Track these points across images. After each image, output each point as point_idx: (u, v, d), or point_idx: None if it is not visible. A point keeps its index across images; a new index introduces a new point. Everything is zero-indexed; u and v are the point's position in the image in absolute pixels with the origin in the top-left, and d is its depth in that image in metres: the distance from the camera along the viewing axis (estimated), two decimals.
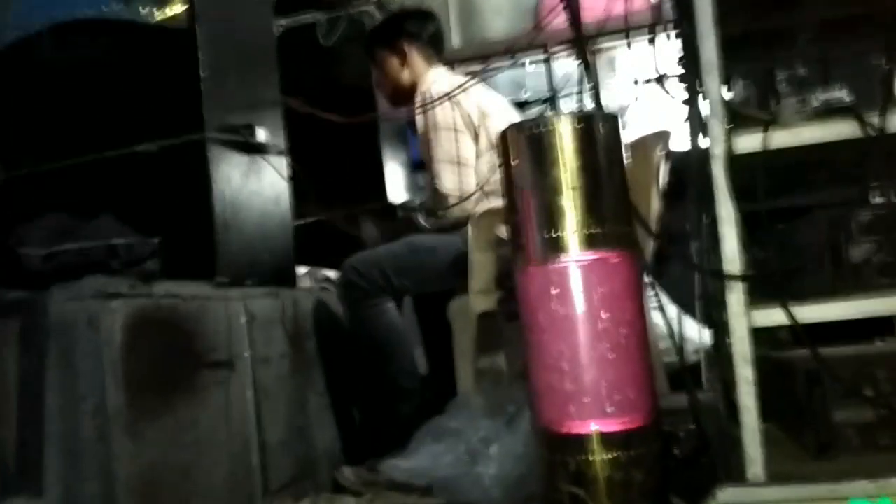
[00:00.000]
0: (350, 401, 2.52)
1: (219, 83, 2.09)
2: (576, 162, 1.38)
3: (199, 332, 1.93)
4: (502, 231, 2.35)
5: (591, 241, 1.36)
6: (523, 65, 3.69)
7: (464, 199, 2.35)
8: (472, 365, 2.35)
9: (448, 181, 2.39)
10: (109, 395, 1.62)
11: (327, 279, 2.69)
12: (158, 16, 1.96)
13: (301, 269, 2.57)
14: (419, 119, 2.46)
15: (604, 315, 1.36)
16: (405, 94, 2.61)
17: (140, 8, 1.95)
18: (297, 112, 2.58)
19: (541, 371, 1.40)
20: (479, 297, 2.32)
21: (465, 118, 2.42)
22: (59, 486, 1.56)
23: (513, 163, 1.44)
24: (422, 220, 2.53)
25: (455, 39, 3.98)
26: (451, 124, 2.41)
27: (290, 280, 2.40)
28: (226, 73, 2.15)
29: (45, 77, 2.09)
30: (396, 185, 3.41)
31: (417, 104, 2.46)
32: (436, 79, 2.55)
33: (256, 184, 2.26)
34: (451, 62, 3.77)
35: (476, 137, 2.43)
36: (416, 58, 2.60)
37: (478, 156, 2.43)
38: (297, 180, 2.45)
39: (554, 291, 1.38)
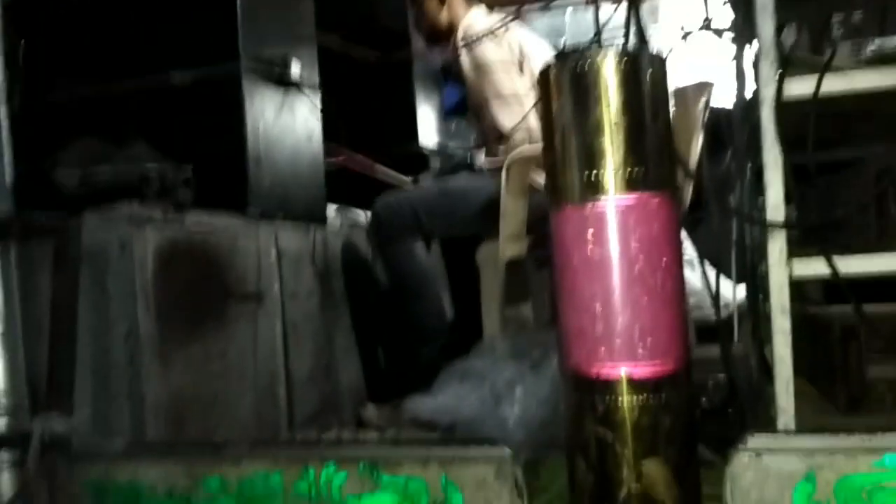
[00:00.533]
0: (376, 340, 2.53)
1: (254, 14, 2.07)
2: (619, 100, 1.33)
3: (230, 264, 1.95)
4: (535, 178, 2.33)
5: (630, 183, 1.32)
6: (562, 11, 3.60)
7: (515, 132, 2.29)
8: (499, 310, 2.34)
9: (507, 119, 2.34)
10: (140, 320, 1.64)
11: (357, 219, 2.67)
12: None
13: (331, 208, 2.55)
14: (465, 60, 2.39)
15: (640, 258, 1.32)
16: (443, 35, 2.55)
17: None
18: (331, 49, 2.54)
19: (572, 313, 1.38)
20: (508, 244, 2.30)
21: (511, 53, 2.38)
22: (89, 407, 1.59)
23: (553, 99, 1.39)
24: (479, 162, 2.46)
25: None
26: (499, 58, 2.36)
27: (320, 217, 2.40)
28: (261, 4, 2.12)
29: (81, 2, 2.07)
30: (428, 130, 3.36)
31: (460, 44, 2.41)
32: (475, 20, 2.49)
33: (289, 119, 2.24)
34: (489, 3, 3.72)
35: (519, 74, 2.37)
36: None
37: (523, 95, 2.36)
38: (329, 119, 2.42)
39: (590, 232, 1.34)
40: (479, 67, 2.36)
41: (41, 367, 1.50)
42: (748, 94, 1.66)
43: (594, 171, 1.34)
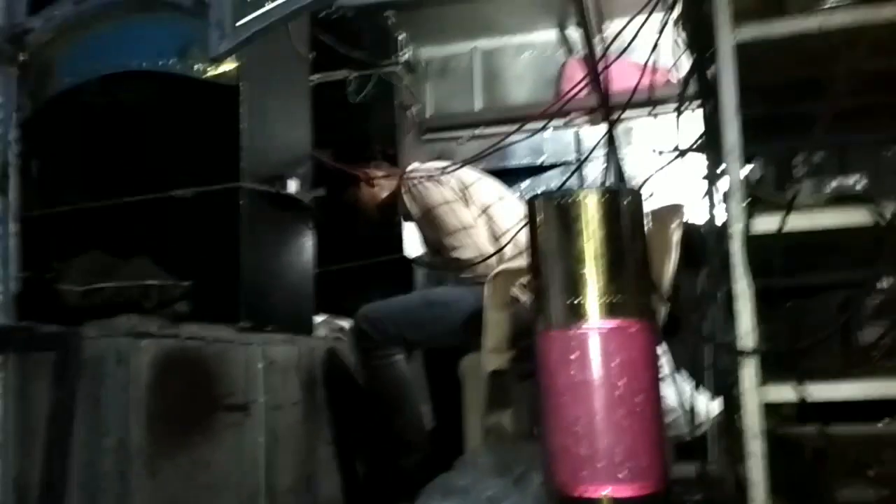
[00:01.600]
0: (356, 451, 2.53)
1: (256, 135, 2.18)
2: (600, 233, 1.43)
3: (220, 375, 1.99)
4: (517, 290, 2.41)
5: (611, 310, 1.41)
6: (543, 130, 3.79)
7: (486, 258, 2.40)
8: (481, 422, 2.36)
9: (463, 252, 2.46)
10: (132, 432, 1.66)
11: (342, 328, 2.72)
12: (210, 72, 2.06)
13: (318, 318, 2.61)
14: (412, 207, 2.55)
15: (620, 382, 1.40)
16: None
17: (194, 64, 2.05)
18: (323, 164, 2.66)
19: (556, 433, 1.44)
20: (491, 356, 2.34)
21: (453, 190, 2.53)
22: None
23: (539, 230, 1.49)
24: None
25: (478, 103, 4.08)
26: (443, 199, 2.52)
27: (307, 328, 2.45)
28: (263, 127, 2.24)
29: (92, 121, 2.19)
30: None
31: (404, 193, 2.57)
32: (412, 168, 2.66)
33: (283, 233, 2.33)
34: (476, 124, 3.92)
35: (466, 205, 2.52)
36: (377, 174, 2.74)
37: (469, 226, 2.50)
38: (321, 230, 2.51)
39: (573, 356, 1.42)
40: (426, 212, 2.52)
41: (34, 477, 1.51)
42: (718, 222, 1.78)
43: (577, 299, 1.43)
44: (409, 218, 2.67)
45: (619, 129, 3.96)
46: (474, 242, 2.45)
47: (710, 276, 1.72)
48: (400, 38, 3.53)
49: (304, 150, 2.51)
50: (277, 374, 2.22)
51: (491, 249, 2.45)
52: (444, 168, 2.57)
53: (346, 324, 2.70)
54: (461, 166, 2.59)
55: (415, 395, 2.43)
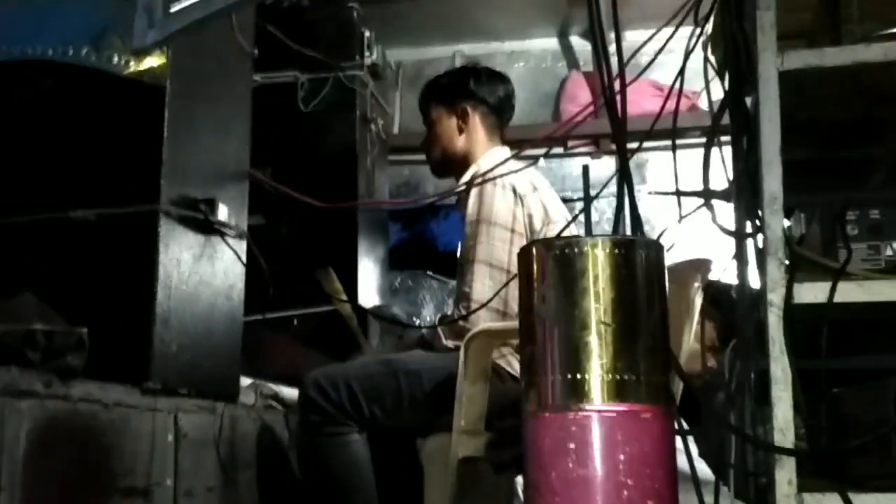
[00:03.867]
0: None
1: (182, 147, 2.18)
2: (611, 293, 1.44)
3: (118, 449, 1.95)
4: (500, 361, 2.41)
5: (620, 390, 1.41)
6: (539, 159, 3.84)
7: (479, 307, 2.38)
8: None
9: (480, 287, 2.42)
10: None
11: (275, 395, 2.70)
12: (132, 67, 2.05)
13: (245, 380, 2.59)
14: (472, 203, 2.50)
15: (630, 481, 1.39)
16: (454, 164, 2.68)
17: (114, 56, 2.04)
18: (262, 187, 2.66)
19: None
20: (463, 439, 2.34)
21: (525, 219, 2.47)
22: None
23: (535, 286, 1.50)
24: (442, 336, 2.50)
25: None
26: (510, 223, 2.45)
27: (231, 393, 2.43)
28: (192, 137, 2.24)
29: None
30: (368, 286, 3.47)
31: (467, 180, 2.50)
32: (496, 160, 2.58)
33: (209, 270, 2.32)
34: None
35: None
36: (477, 125, 2.67)
37: None
38: (254, 269, 2.50)
39: (571, 446, 1.42)
40: (482, 219, 2.46)
41: None
42: (750, 286, 1.81)
43: (578, 375, 1.43)
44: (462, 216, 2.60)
45: (632, 164, 4.05)
46: (495, 289, 2.40)
47: (740, 352, 1.74)
48: (366, 35, 3.58)
49: (241, 167, 2.51)
50: (190, 451, 2.18)
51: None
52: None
53: (281, 390, 2.68)
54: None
55: (373, 487, 2.39)
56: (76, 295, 2.00)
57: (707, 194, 1.93)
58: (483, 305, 2.40)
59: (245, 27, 2.55)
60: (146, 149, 2.12)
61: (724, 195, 1.96)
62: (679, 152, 3.80)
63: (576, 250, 1.46)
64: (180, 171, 2.18)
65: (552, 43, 4.18)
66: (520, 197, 2.48)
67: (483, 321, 2.41)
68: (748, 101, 1.76)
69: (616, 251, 1.47)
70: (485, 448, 2.37)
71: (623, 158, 1.66)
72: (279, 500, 2.49)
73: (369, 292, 3.46)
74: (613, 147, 3.88)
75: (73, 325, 1.82)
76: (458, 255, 2.68)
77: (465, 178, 2.61)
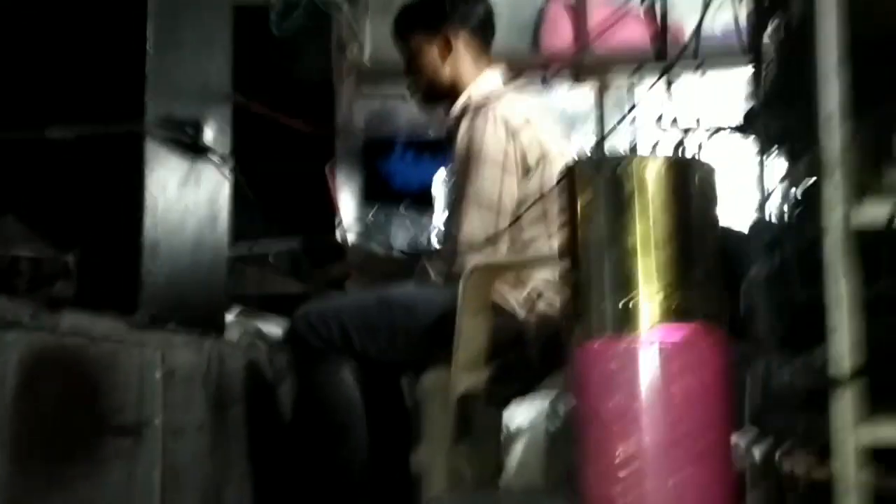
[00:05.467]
0: (281, 492, 2.41)
1: (167, 64, 2.03)
2: (666, 215, 1.36)
3: (107, 385, 1.84)
4: (500, 293, 2.32)
5: (677, 317, 1.34)
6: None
7: (487, 244, 2.30)
8: (446, 461, 2.27)
9: (472, 226, 2.32)
10: None
11: (259, 333, 2.60)
12: None
13: (229, 315, 2.47)
14: (462, 134, 2.37)
15: (686, 414, 1.32)
16: (442, 93, 2.53)
17: None
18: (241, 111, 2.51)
19: (595, 478, 1.36)
20: (464, 373, 2.27)
21: (519, 155, 2.35)
22: None
23: (580, 208, 1.41)
24: (431, 270, 2.44)
25: None
26: (500, 160, 2.33)
27: (218, 327, 2.31)
28: (176, 53, 2.09)
29: None
30: (348, 220, 3.35)
31: (457, 113, 2.40)
32: (488, 87, 2.47)
33: (193, 196, 2.18)
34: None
35: (522, 179, 2.35)
36: (462, 50, 2.52)
37: (519, 203, 2.34)
38: (239, 196, 2.38)
39: (624, 376, 1.34)
40: (472, 155, 2.34)
41: None
42: (782, 215, 1.73)
43: (631, 301, 1.35)
44: (451, 147, 2.48)
45: (612, 97, 3.97)
46: (486, 228, 2.31)
47: (776, 281, 1.66)
48: None
49: (224, 89, 2.36)
50: (179, 388, 2.08)
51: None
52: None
53: (269, 324, 2.59)
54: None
55: (362, 423, 2.32)
56: (57, 219, 1.85)
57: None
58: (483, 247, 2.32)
59: None
60: (128, 63, 1.97)
61: (747, 123, 1.88)
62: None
63: (627, 169, 1.37)
64: (164, 90, 2.02)
65: None
66: (512, 132, 2.36)
67: (473, 251, 2.33)
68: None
69: (671, 170, 1.38)
70: (485, 384, 2.31)
71: (666, 71, 1.55)
72: (268, 439, 2.41)
73: (346, 221, 3.35)
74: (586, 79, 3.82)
75: (57, 251, 1.69)
76: (447, 189, 2.58)
77: (457, 106, 2.49)
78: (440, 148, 3.09)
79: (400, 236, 4.00)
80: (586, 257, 1.41)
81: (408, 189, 4.10)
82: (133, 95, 1.95)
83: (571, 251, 1.43)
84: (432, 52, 2.52)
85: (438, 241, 2.59)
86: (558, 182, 1.47)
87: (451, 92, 2.52)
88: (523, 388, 2.41)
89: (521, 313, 2.35)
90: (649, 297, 1.35)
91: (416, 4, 2.65)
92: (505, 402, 2.44)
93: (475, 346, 2.29)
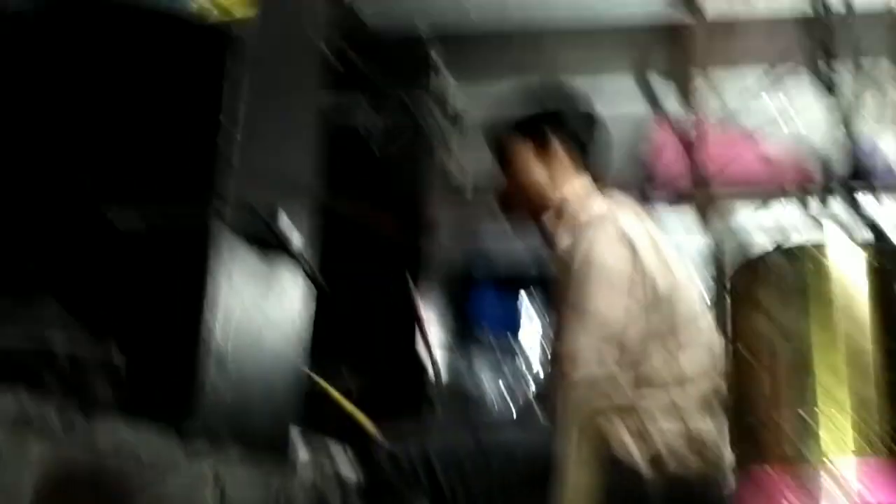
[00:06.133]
0: None
1: (248, 136, 1.78)
2: (872, 315, 1.06)
3: None
4: (618, 440, 1.97)
5: (878, 445, 1.02)
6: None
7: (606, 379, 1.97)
8: None
9: (587, 345, 1.99)
10: None
11: (330, 457, 2.32)
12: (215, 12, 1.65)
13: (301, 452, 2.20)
14: (579, 249, 2.08)
15: None
16: (526, 200, 2.29)
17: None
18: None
19: None
20: None
21: (647, 280, 2.03)
22: None
23: (754, 311, 1.12)
24: (539, 411, 2.19)
25: None
26: (624, 283, 2.01)
27: (283, 450, 2.03)
28: (254, 130, 1.83)
29: None
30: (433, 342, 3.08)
31: (586, 236, 2.08)
32: (598, 201, 2.22)
33: (272, 301, 1.92)
34: None
35: (649, 309, 2.03)
36: (561, 158, 2.29)
37: (642, 339, 2.01)
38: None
39: None
40: (592, 272, 2.03)
41: None
42: None
43: (824, 422, 1.04)
44: (553, 263, 2.21)
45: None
46: (608, 350, 1.99)
47: None
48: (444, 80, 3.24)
49: (307, 179, 2.13)
50: None
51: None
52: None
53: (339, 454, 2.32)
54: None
55: None
56: (107, 309, 1.58)
57: None
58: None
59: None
60: (200, 127, 1.74)
61: None
62: None
63: (811, 257, 1.08)
64: (242, 169, 1.77)
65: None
66: (637, 251, 2.05)
67: (589, 389, 1.98)
68: None
69: (876, 260, 1.09)
70: None
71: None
72: None
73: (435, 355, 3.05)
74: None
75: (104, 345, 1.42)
76: (552, 306, 2.27)
77: (571, 215, 2.21)
78: (536, 286, 2.85)
79: (487, 379, 3.69)
80: (765, 375, 1.10)
81: (498, 329, 3.86)
82: (201, 170, 1.71)
83: (739, 357, 1.13)
84: (527, 151, 2.29)
85: (543, 380, 2.26)
86: (732, 285, 1.17)
87: (538, 200, 2.27)
88: None
89: (644, 470, 1.97)
90: (842, 416, 1.04)
91: (518, 110, 2.41)
92: None
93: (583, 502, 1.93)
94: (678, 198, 3.53)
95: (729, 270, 1.71)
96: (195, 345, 1.63)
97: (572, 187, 2.25)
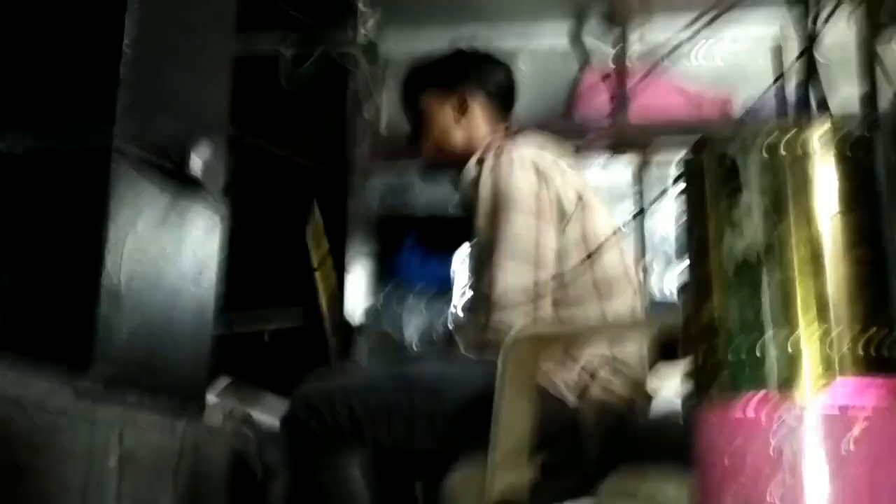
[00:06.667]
0: None
1: (147, 70, 1.71)
2: (851, 214, 0.97)
3: (39, 472, 1.48)
4: (549, 373, 1.96)
5: (873, 365, 0.94)
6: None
7: (529, 301, 1.98)
8: None
9: (508, 282, 2.01)
10: None
11: (247, 419, 2.28)
12: None
13: (209, 397, 2.15)
14: (486, 184, 2.10)
15: (871, 491, 0.93)
16: (450, 158, 2.30)
17: None
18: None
19: None
20: (502, 471, 1.88)
21: (555, 203, 2.08)
22: None
23: (717, 204, 1.04)
24: (459, 341, 2.10)
25: None
26: (533, 208, 2.05)
27: (197, 404, 1.97)
28: (162, 57, 1.78)
29: None
30: (356, 288, 3.07)
31: (487, 165, 2.12)
32: (517, 141, 2.24)
33: (175, 238, 1.85)
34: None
35: (559, 227, 2.07)
36: (477, 114, 2.30)
37: (560, 256, 2.05)
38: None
39: (788, 453, 0.95)
40: (500, 203, 2.07)
41: None
42: None
43: (800, 339, 0.98)
44: (465, 203, 2.23)
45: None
46: (531, 280, 2.00)
47: None
48: (361, 7, 3.18)
49: (219, 116, 2.04)
50: (140, 481, 1.73)
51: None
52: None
53: (256, 408, 2.28)
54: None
55: None
56: None
57: None
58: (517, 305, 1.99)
59: None
60: (100, 65, 1.66)
61: None
62: None
63: (793, 143, 0.99)
64: (143, 103, 1.71)
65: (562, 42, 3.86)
66: (542, 174, 2.10)
67: (510, 325, 1.97)
68: None
69: (852, 151, 1.00)
70: (528, 485, 1.92)
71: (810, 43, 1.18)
72: None
73: (356, 295, 3.07)
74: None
75: None
76: (470, 252, 2.26)
77: (472, 161, 2.24)
78: (459, 229, 2.81)
79: (413, 324, 3.70)
80: (718, 278, 1.01)
81: (423, 274, 3.80)
82: (102, 105, 1.64)
83: (696, 271, 1.04)
84: (444, 113, 2.31)
85: (465, 309, 2.25)
86: (677, 178, 1.08)
87: (461, 156, 2.28)
88: (575, 491, 2.02)
89: (570, 399, 1.98)
90: (833, 336, 0.96)
91: (430, 62, 2.45)
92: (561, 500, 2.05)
93: (517, 438, 1.91)
94: (605, 138, 3.54)
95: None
96: (89, 281, 1.57)
97: (491, 141, 2.27)
